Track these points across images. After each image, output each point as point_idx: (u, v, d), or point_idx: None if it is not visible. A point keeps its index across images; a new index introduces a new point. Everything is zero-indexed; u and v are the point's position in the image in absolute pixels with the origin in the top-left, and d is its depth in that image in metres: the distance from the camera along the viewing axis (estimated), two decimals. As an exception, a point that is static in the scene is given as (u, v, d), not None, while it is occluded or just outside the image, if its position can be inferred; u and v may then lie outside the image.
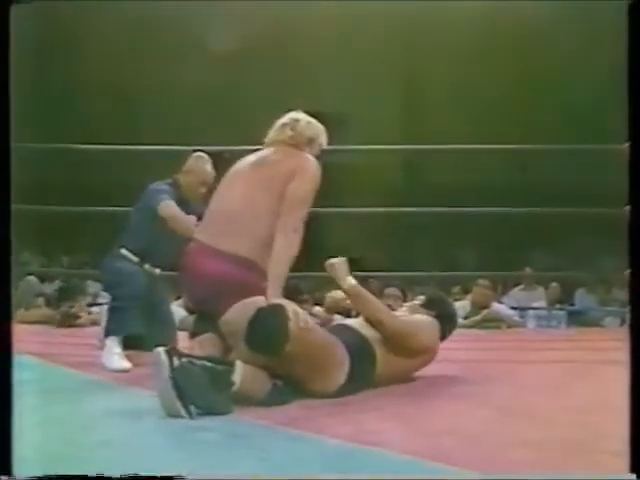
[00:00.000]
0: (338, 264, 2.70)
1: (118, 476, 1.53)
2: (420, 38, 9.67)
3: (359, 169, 8.47)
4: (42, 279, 6.94)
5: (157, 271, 3.30)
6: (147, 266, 3.26)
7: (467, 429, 2.07)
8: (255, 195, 2.48)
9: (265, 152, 2.66)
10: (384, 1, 8.99)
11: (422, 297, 2.98)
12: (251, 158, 2.65)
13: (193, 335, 2.55)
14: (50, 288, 6.81)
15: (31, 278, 5.86)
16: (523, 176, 8.90)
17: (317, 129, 2.74)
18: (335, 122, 2.96)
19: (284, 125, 2.69)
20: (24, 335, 2.96)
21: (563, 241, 8.71)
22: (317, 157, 2.67)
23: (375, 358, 2.58)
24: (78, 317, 4.76)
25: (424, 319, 2.82)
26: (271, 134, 2.71)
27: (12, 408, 1.51)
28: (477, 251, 9.68)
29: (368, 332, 2.62)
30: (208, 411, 2.16)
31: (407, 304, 3.09)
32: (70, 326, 4.63)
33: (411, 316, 2.84)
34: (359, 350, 2.54)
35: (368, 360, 2.57)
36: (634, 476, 1.52)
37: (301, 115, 2.75)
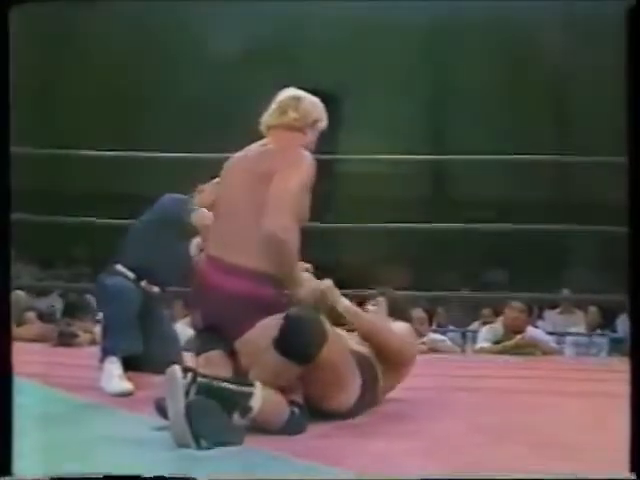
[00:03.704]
0: (330, 288, 2.60)
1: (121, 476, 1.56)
2: (438, 44, 9.79)
3: (381, 180, 8.49)
4: (36, 293, 6.97)
5: (155, 289, 3.31)
6: (144, 283, 3.26)
7: (493, 465, 2.07)
8: (257, 198, 2.41)
9: (260, 145, 2.58)
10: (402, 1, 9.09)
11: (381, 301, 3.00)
12: (248, 154, 2.58)
13: (198, 353, 2.55)
14: (45, 303, 6.85)
15: (19, 292, 5.86)
16: (562, 190, 8.88)
17: (321, 109, 2.65)
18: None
19: (286, 106, 2.59)
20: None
21: (605, 261, 8.65)
22: (315, 141, 2.64)
23: (377, 374, 2.68)
24: (76, 336, 4.79)
25: (405, 328, 2.88)
26: (269, 118, 2.61)
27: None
28: (509, 270, 9.64)
29: (363, 349, 2.67)
30: (219, 442, 2.16)
31: (371, 308, 3.04)
32: (67, 345, 4.66)
33: (395, 327, 2.85)
34: (364, 364, 2.62)
35: (373, 375, 2.65)
36: (634, 476, 1.54)
37: (302, 93, 2.63)
